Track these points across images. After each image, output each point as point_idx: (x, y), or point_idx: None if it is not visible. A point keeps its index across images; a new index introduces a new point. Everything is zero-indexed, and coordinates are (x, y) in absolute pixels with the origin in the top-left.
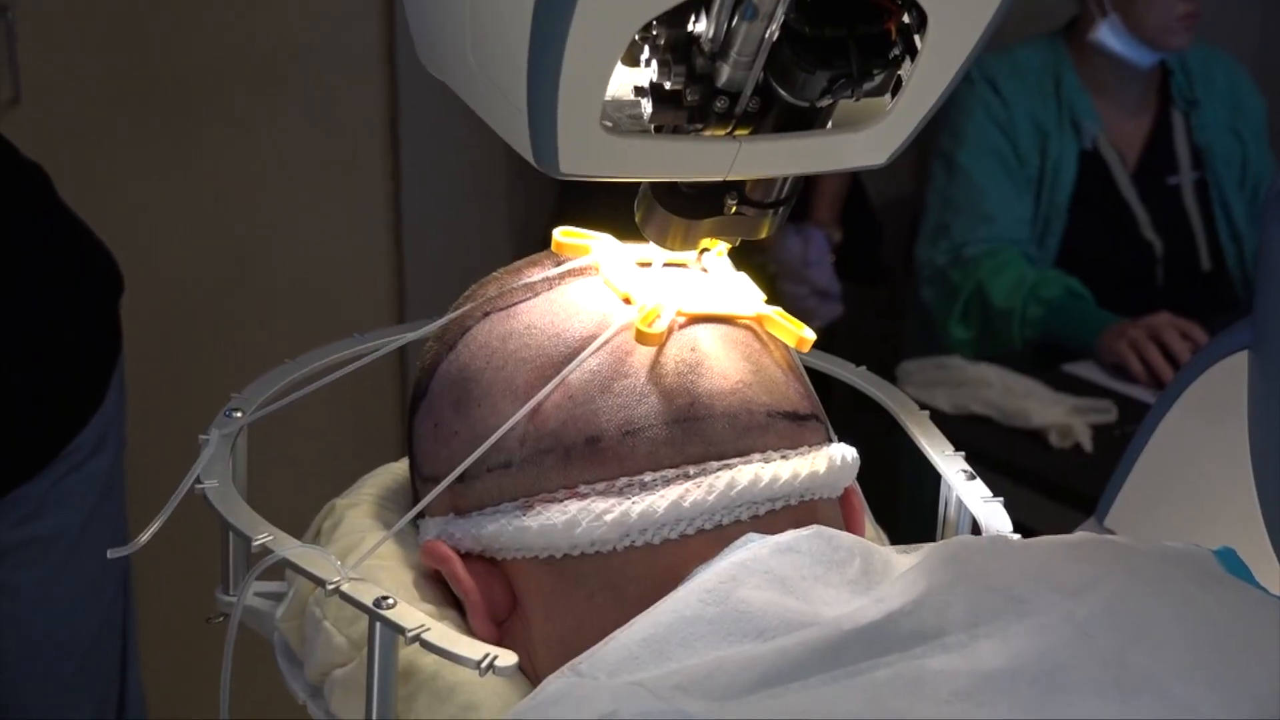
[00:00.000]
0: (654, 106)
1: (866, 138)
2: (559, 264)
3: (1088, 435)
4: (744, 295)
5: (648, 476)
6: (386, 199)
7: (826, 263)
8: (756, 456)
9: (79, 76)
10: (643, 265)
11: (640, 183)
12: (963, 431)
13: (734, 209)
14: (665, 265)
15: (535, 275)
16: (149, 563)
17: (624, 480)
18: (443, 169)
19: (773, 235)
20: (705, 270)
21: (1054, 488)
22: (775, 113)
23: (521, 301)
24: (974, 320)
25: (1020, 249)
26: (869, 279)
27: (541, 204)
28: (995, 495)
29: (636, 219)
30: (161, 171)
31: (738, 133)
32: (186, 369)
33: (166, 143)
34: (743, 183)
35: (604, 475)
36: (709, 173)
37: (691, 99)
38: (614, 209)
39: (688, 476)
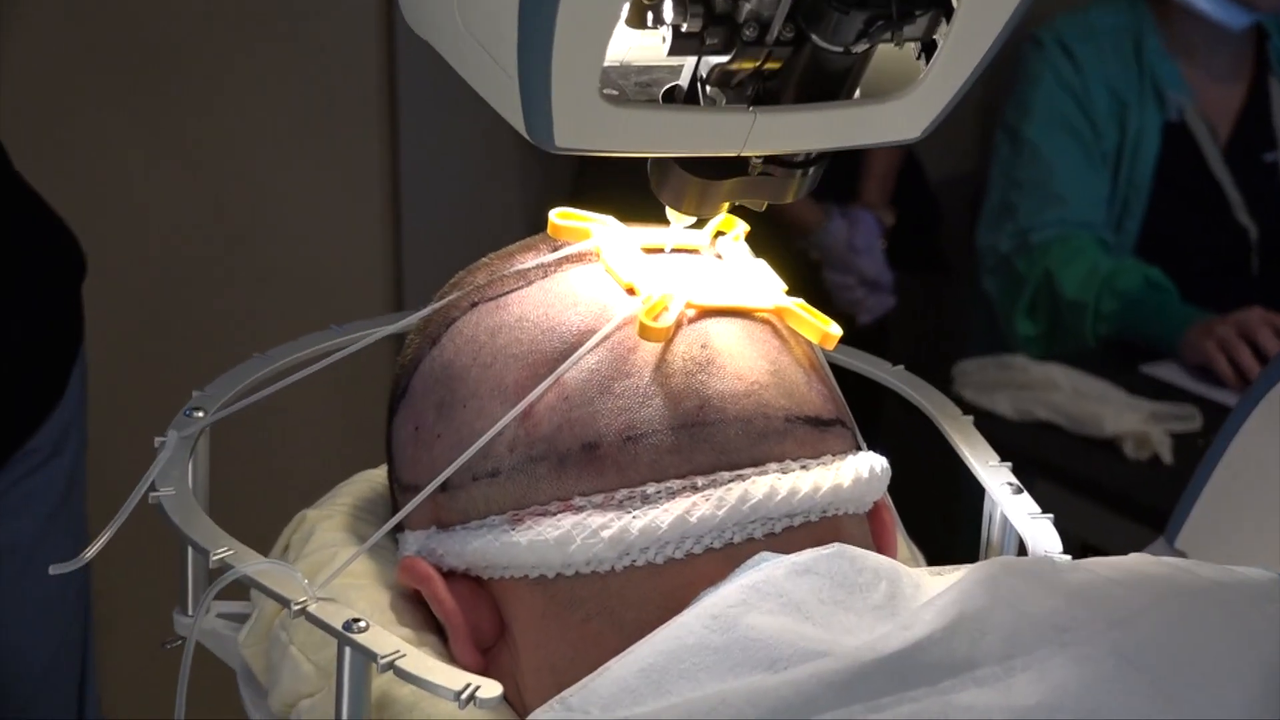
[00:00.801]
0: (672, 42)
1: (899, 108)
2: (556, 249)
3: (1167, 445)
4: (762, 285)
5: (651, 488)
6: (383, 176)
7: (877, 249)
8: (773, 466)
9: (38, 33)
10: (650, 251)
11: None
12: (1026, 439)
13: (759, 169)
14: (674, 251)
15: (529, 261)
16: (112, 577)
17: (624, 492)
18: (447, 141)
19: (815, 217)
20: (720, 257)
21: (1128, 504)
22: (799, 77)
23: (513, 291)
24: (1041, 314)
25: (1094, 234)
26: (924, 268)
27: (559, 182)
28: (1059, 511)
29: (652, 182)
30: (130, 143)
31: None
32: (156, 362)
33: (136, 111)
34: None
35: (602, 486)
36: (721, 147)
37: (712, 41)
38: (635, 189)
39: (695, 488)
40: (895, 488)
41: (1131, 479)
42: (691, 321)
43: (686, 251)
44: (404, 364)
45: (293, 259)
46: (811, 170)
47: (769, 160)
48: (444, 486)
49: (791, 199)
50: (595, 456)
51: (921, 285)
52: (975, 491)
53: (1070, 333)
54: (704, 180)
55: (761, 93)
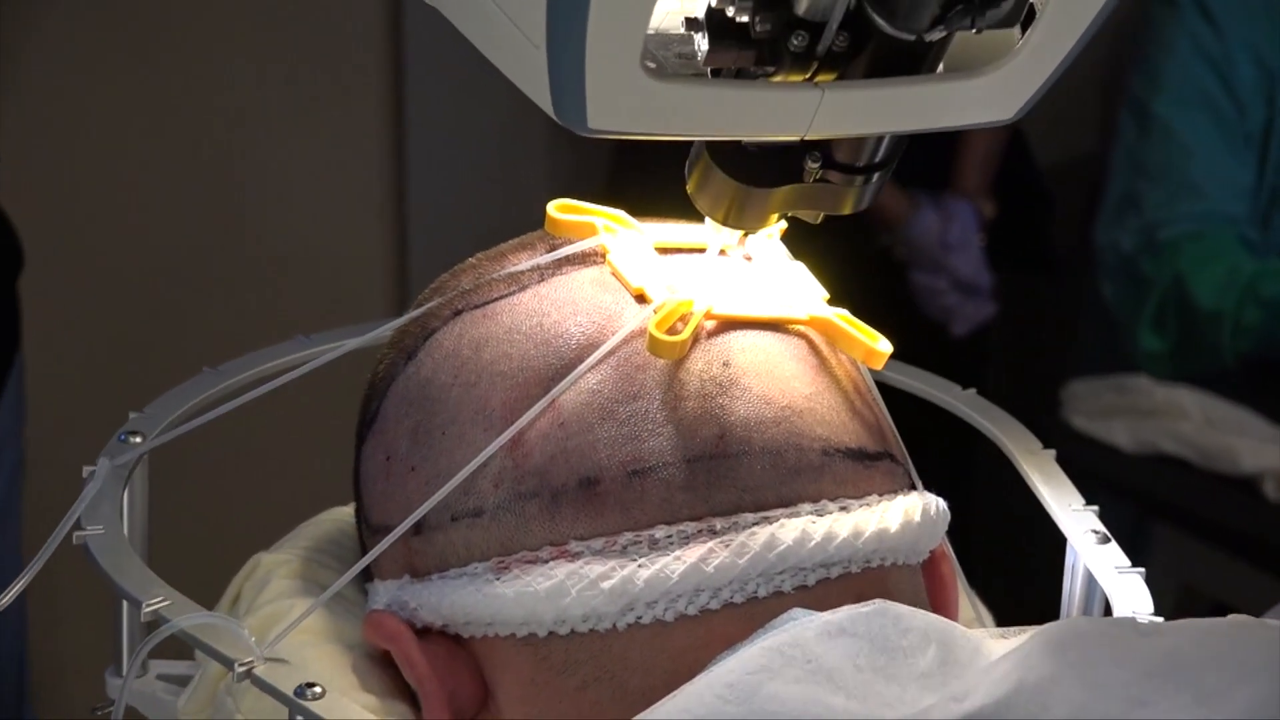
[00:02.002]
0: (711, 42)
1: (990, 84)
2: (554, 247)
3: None
4: (798, 292)
5: (660, 531)
6: (384, 161)
7: (974, 247)
8: (806, 507)
9: None
10: (665, 251)
11: (692, 142)
12: (1146, 476)
13: (816, 174)
14: (694, 251)
15: (523, 262)
16: (49, 629)
17: (629, 536)
18: (461, 122)
19: (900, 208)
20: (749, 259)
21: (1268, 555)
22: (870, 51)
23: (502, 297)
24: (1170, 326)
25: (1236, 231)
26: (1031, 269)
27: (593, 169)
28: (1185, 563)
29: (689, 187)
30: (79, 115)
31: (820, 78)
32: (105, 372)
33: (87, 73)
34: (828, 140)
35: (602, 529)
36: (781, 130)
37: (761, 30)
38: (683, 180)
39: (713, 532)
40: (967, 535)
41: (1273, 525)
42: (712, 334)
43: (706, 251)
44: (374, 383)
45: (274, 257)
46: (876, 177)
47: (828, 165)
48: (418, 528)
49: (849, 210)
50: (595, 494)
51: (1027, 290)
52: (1056, 541)
53: (1204, 349)
54: (748, 188)
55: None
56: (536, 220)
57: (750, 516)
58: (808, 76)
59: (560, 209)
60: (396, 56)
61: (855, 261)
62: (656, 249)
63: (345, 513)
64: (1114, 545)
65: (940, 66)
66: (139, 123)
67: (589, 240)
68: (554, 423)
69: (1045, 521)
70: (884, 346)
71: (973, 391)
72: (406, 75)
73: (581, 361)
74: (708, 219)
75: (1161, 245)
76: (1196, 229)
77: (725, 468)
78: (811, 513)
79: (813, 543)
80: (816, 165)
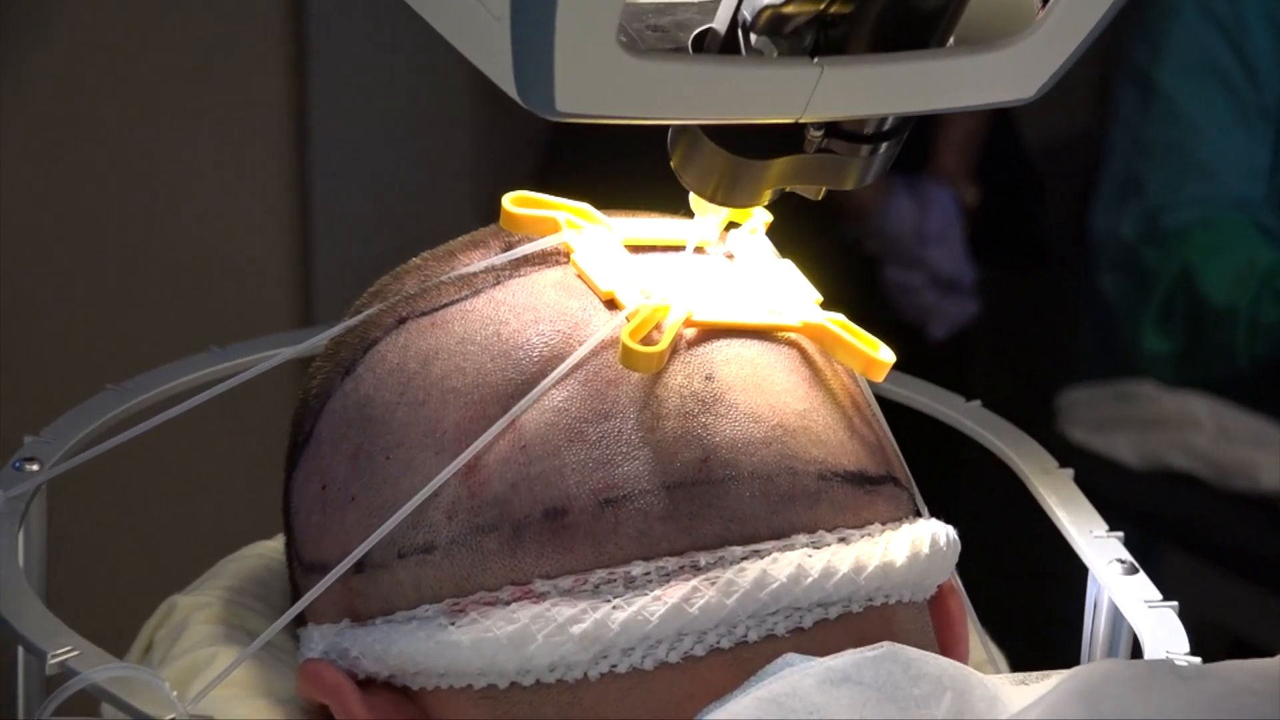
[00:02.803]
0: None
1: (1008, 60)
2: (510, 246)
3: None
4: (789, 294)
5: (637, 568)
6: (286, 153)
7: (955, 238)
8: (801, 539)
9: None
10: (637, 249)
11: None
12: (1154, 495)
13: (818, 143)
14: (670, 249)
15: (475, 263)
16: None
17: (601, 573)
18: (372, 108)
19: (871, 195)
20: (731, 256)
21: None
22: (875, 19)
23: (453, 303)
24: (1178, 326)
25: (1251, 216)
26: (1019, 262)
27: (522, 163)
28: (1198, 592)
29: (673, 161)
30: None
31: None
32: None
33: None
34: None
35: (571, 565)
36: (774, 112)
37: None
38: (627, 179)
39: (697, 569)
40: (970, 566)
41: None
42: (692, 344)
43: (683, 249)
44: (307, 401)
45: (167, 260)
46: (885, 147)
47: (832, 133)
48: (360, 565)
49: (853, 184)
50: (563, 526)
51: (1015, 286)
52: (1076, 572)
53: (1216, 351)
54: (743, 160)
55: (824, 42)
56: (458, 222)
57: (738, 550)
58: (815, 11)
59: (517, 202)
60: (299, 40)
61: (819, 256)
62: (627, 246)
63: (270, 547)
64: (1142, 576)
65: (950, 41)
66: (19, 123)
67: (550, 238)
68: (515, 445)
69: (1058, 548)
70: (886, 356)
71: (977, 404)
72: (309, 61)
73: (545, 375)
74: (692, 198)
75: (1167, 233)
76: (1206, 215)
77: (710, 495)
78: (807, 545)
79: (809, 579)
80: (820, 134)
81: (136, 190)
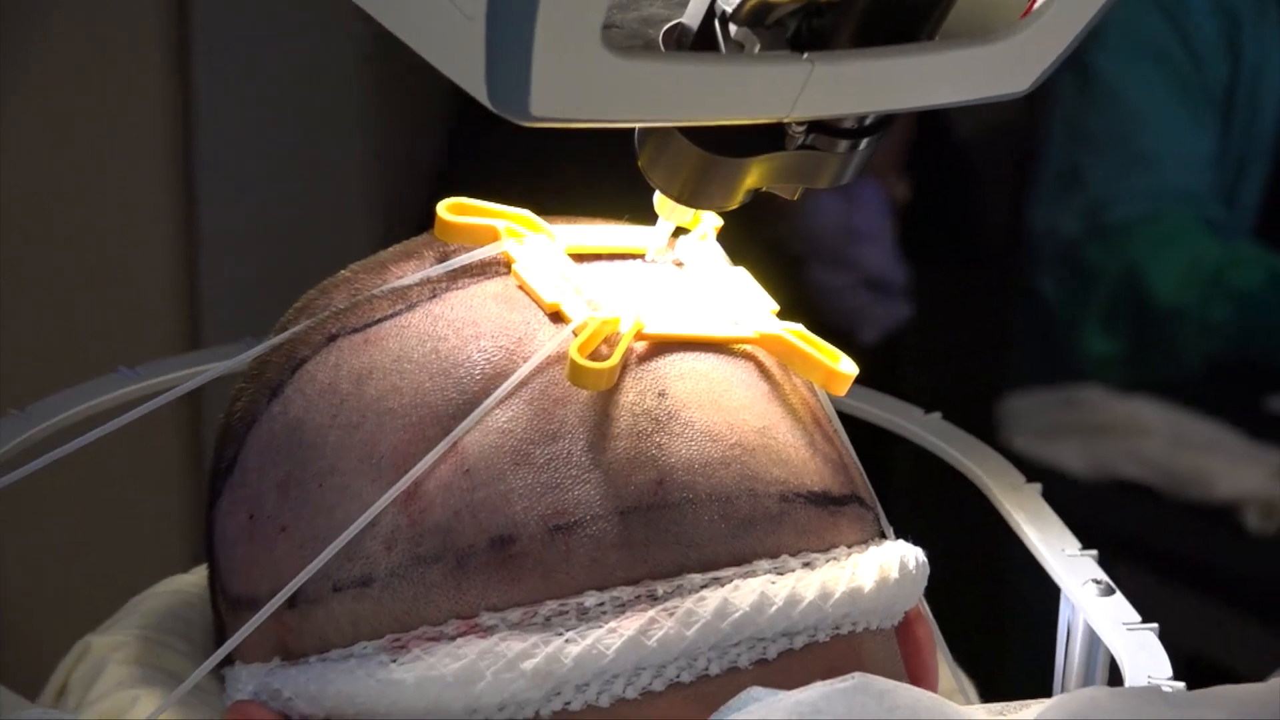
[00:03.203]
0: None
1: (1004, 52)
2: (445, 256)
3: None
4: (742, 304)
5: (590, 599)
6: (169, 158)
7: (885, 236)
8: (764, 565)
9: None
10: (582, 258)
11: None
12: (1103, 506)
13: (800, 140)
14: (616, 258)
15: (409, 275)
16: None
17: (553, 605)
18: (262, 114)
19: (795, 194)
20: (680, 264)
21: (1252, 598)
22: (862, 10)
23: (387, 318)
24: (1123, 326)
25: (1198, 210)
26: (953, 261)
27: (421, 167)
28: (1153, 608)
29: (640, 159)
30: None
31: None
32: None
33: None
34: None
35: (520, 597)
36: (761, 111)
37: None
38: (543, 193)
39: (654, 598)
40: (931, 588)
41: (1256, 562)
42: (643, 359)
43: (632, 257)
44: (230, 425)
45: (42, 277)
46: (865, 142)
47: (815, 129)
48: (292, 600)
49: (834, 182)
50: (510, 555)
51: (949, 287)
52: (1046, 593)
53: (1165, 352)
54: (717, 158)
55: (806, 33)
56: (353, 225)
57: (697, 578)
58: (787, 40)
59: (452, 209)
60: (181, 46)
61: (741, 257)
62: (571, 255)
63: (188, 581)
64: (1119, 597)
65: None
66: None
67: (489, 247)
68: (457, 470)
69: (1023, 567)
70: (847, 368)
71: (937, 416)
72: (193, 64)
73: (488, 395)
74: (657, 200)
75: (1109, 229)
76: (1150, 208)
77: (666, 520)
78: (770, 571)
79: (773, 608)
80: (802, 129)
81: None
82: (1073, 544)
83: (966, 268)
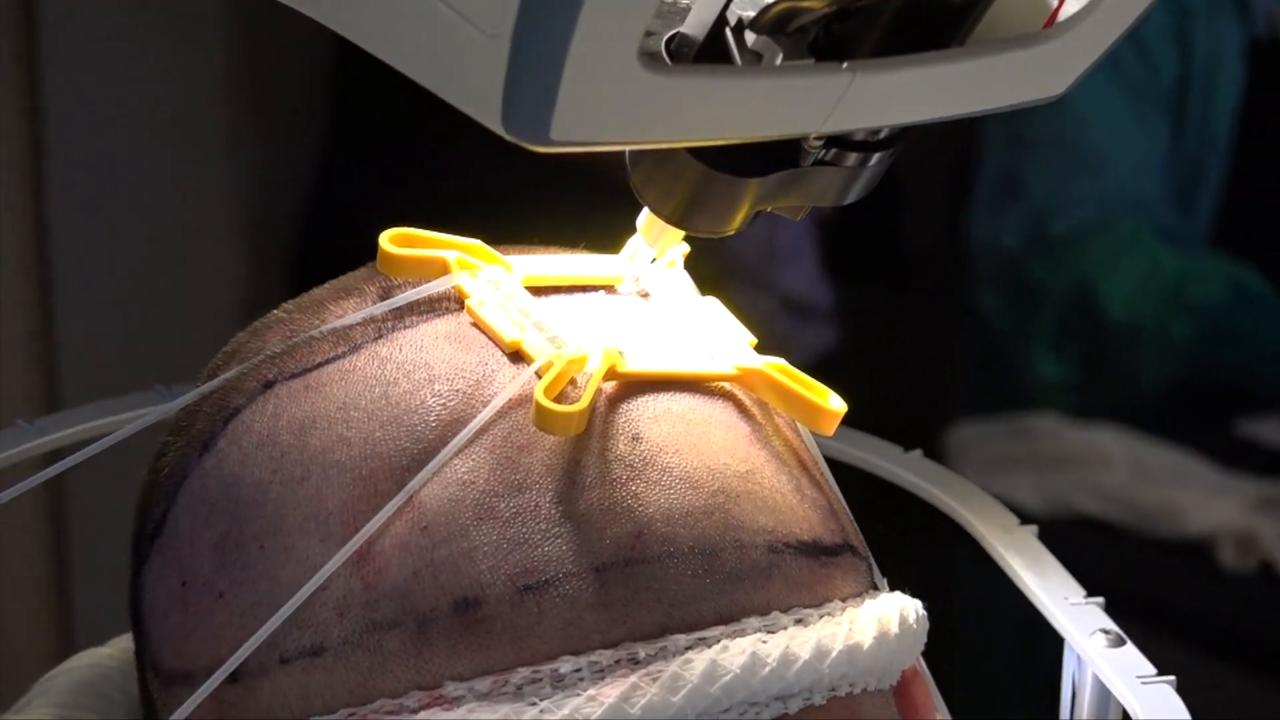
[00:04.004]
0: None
1: (1045, 56)
2: (388, 292)
3: None
4: (717, 338)
5: (566, 665)
6: (22, 190)
7: (807, 255)
8: (753, 623)
9: None
10: (537, 289)
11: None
12: (1062, 545)
13: (816, 155)
14: (576, 289)
15: (350, 314)
16: None
17: (525, 672)
18: (116, 135)
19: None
20: (645, 295)
21: (1229, 642)
22: (894, 15)
23: (329, 362)
24: (1074, 347)
25: (1151, 218)
26: (884, 280)
27: (291, 195)
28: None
29: (634, 177)
30: None
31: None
32: None
33: None
34: None
35: (488, 664)
36: (794, 126)
37: None
38: (424, 198)
39: (635, 662)
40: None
41: (1232, 602)
42: (614, 400)
43: (594, 288)
44: (156, 483)
45: None
46: (878, 157)
47: (833, 142)
48: (234, 675)
49: (843, 200)
50: (476, 619)
51: (879, 308)
52: (1047, 644)
53: (1122, 375)
54: (722, 176)
55: (825, 42)
56: (222, 256)
57: (682, 639)
58: (807, 47)
59: (396, 240)
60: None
61: None
62: (528, 288)
63: (104, 654)
64: (1130, 648)
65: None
66: None
67: (439, 281)
68: (414, 526)
69: (1016, 616)
70: (836, 404)
71: (918, 454)
72: (47, 113)
73: (445, 443)
74: (644, 225)
75: (1055, 241)
76: (1099, 217)
77: (645, 576)
78: (760, 629)
79: (766, 669)
80: (820, 144)
81: None
82: (1076, 591)
83: (898, 287)
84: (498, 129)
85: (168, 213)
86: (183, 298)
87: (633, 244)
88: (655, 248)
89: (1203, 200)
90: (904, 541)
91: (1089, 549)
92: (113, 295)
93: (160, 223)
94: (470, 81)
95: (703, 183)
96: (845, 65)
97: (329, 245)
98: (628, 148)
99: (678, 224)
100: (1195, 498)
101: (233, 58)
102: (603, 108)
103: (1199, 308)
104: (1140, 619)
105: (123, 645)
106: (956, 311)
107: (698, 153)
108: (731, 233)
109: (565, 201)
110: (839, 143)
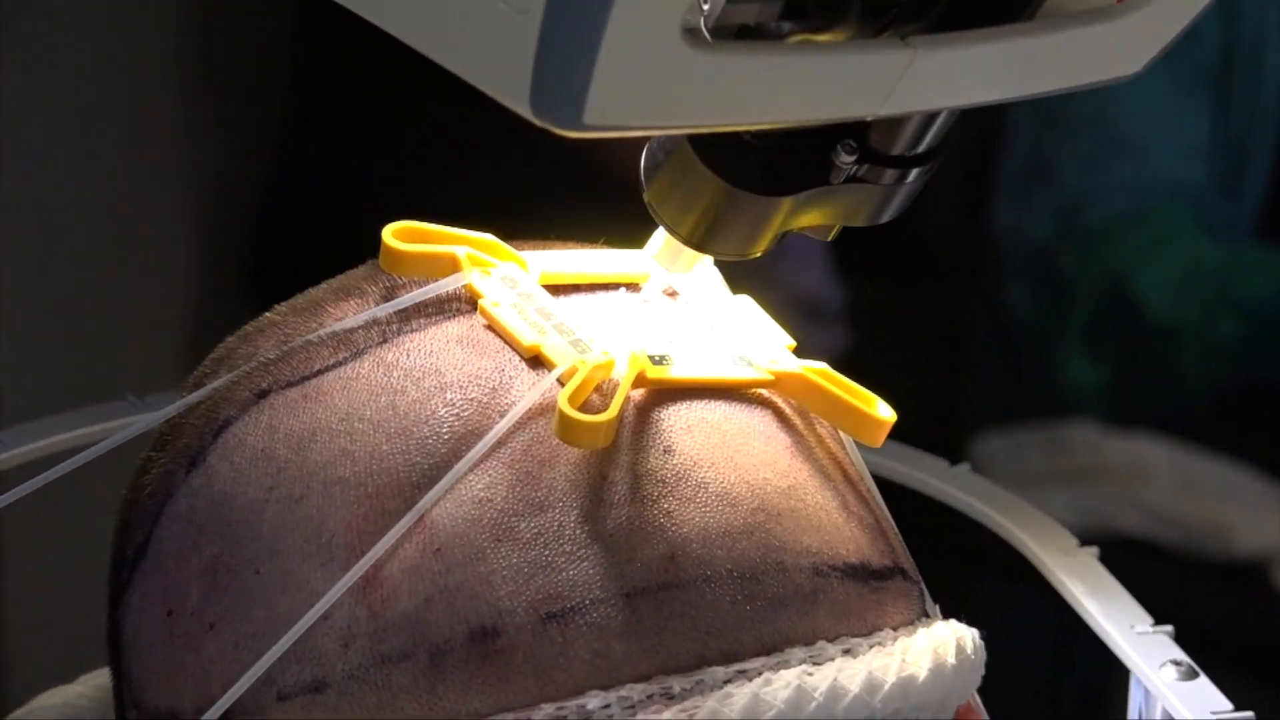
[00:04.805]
0: None
1: (1122, 31)
2: (391, 292)
3: None
4: (753, 340)
5: (594, 700)
6: None
7: (816, 251)
8: (797, 653)
9: None
10: (556, 288)
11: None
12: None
13: (848, 171)
14: (599, 287)
15: (351, 316)
16: None
17: (549, 709)
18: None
19: None
20: (673, 295)
21: None
22: None
23: (330, 369)
24: (1110, 348)
25: (1193, 206)
26: (901, 276)
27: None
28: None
29: (649, 193)
30: None
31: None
32: None
33: None
34: (866, 123)
35: (510, 699)
36: (847, 108)
37: None
38: (393, 198)
39: (670, 697)
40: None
41: None
42: (643, 410)
43: (617, 286)
44: (137, 503)
45: None
46: (915, 173)
47: (866, 157)
48: (227, 713)
49: (867, 220)
50: (494, 650)
51: (896, 307)
52: (1110, 674)
53: (1162, 379)
54: (747, 195)
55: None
56: (174, 251)
57: (720, 671)
58: (876, 29)
59: (401, 235)
60: None
61: None
62: (546, 286)
63: (74, 693)
64: (1204, 681)
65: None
66: None
67: (449, 280)
68: (426, 549)
69: (1077, 645)
70: (884, 412)
71: (965, 468)
72: None
73: (459, 458)
74: (661, 247)
75: (1088, 230)
76: (1137, 205)
77: (680, 601)
78: (805, 660)
79: (813, 704)
80: (852, 158)
81: None
82: (1143, 619)
83: (916, 283)
84: (524, 112)
85: (110, 208)
86: (127, 301)
87: (658, 238)
88: (674, 271)
89: (1250, 186)
90: (918, 558)
91: (1128, 569)
92: (50, 298)
93: (102, 219)
94: (495, 61)
95: (725, 202)
96: (906, 41)
97: (289, 244)
98: (666, 132)
99: (698, 246)
100: (1244, 514)
101: (183, 40)
102: (641, 88)
103: (1246, 304)
104: (1191, 644)
105: (96, 683)
106: (980, 310)
107: (719, 169)
108: (757, 255)
109: (572, 192)
110: (873, 158)
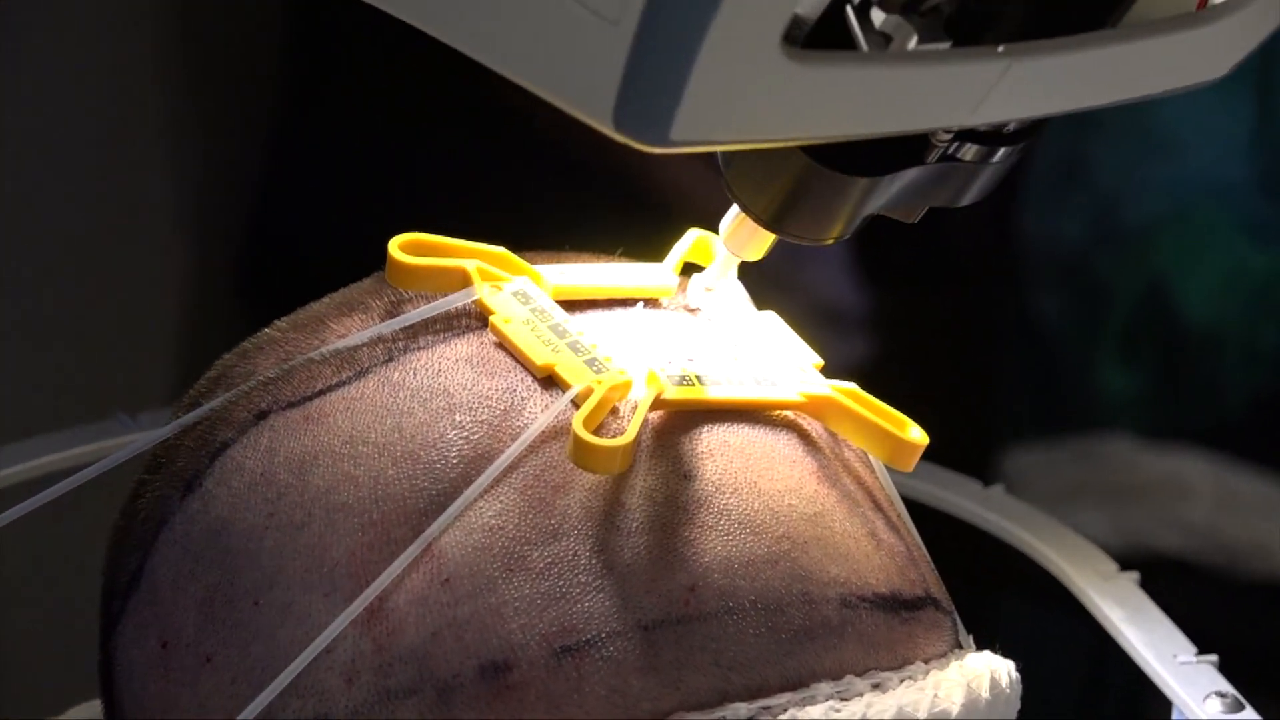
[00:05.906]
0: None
1: (1212, 36)
2: (396, 307)
3: None
4: (779, 359)
5: None
6: None
7: (836, 255)
8: (825, 688)
9: None
10: (570, 303)
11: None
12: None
13: (943, 150)
14: (616, 303)
15: (355, 333)
16: None
17: None
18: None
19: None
20: (693, 310)
21: None
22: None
23: (332, 389)
24: (1146, 356)
25: (1234, 208)
26: (926, 282)
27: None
28: None
29: (729, 172)
30: None
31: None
32: None
33: None
34: None
35: None
36: (939, 118)
37: None
38: (394, 203)
39: None
40: None
41: None
42: (662, 432)
43: (635, 302)
44: (129, 530)
45: None
46: (1004, 151)
47: (964, 136)
48: None
49: (949, 201)
50: (506, 686)
51: (920, 315)
52: (1151, 706)
53: (1201, 388)
54: (831, 174)
55: (964, 22)
56: (160, 262)
57: (743, 708)
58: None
59: (408, 247)
60: None
61: None
62: (560, 302)
63: None
64: (1251, 714)
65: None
66: None
67: (458, 295)
68: (434, 580)
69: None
70: (916, 436)
71: (999, 489)
72: None
73: (468, 483)
74: (727, 230)
75: (1124, 233)
76: (1175, 207)
77: (701, 635)
78: (833, 696)
79: None
80: (949, 136)
81: None
82: (1187, 648)
83: (941, 289)
84: (604, 127)
85: (96, 214)
86: (117, 312)
87: (678, 251)
88: (742, 256)
89: None
90: (948, 581)
91: (1170, 591)
92: (37, 308)
93: (90, 224)
94: (574, 73)
95: (806, 178)
96: (1001, 49)
97: (288, 253)
98: (752, 147)
99: (769, 225)
100: None
101: (170, 34)
102: (735, 103)
103: None
104: (1228, 674)
105: (86, 717)
106: (1009, 317)
107: (824, 158)
108: (831, 241)
109: (588, 200)
110: (970, 136)
